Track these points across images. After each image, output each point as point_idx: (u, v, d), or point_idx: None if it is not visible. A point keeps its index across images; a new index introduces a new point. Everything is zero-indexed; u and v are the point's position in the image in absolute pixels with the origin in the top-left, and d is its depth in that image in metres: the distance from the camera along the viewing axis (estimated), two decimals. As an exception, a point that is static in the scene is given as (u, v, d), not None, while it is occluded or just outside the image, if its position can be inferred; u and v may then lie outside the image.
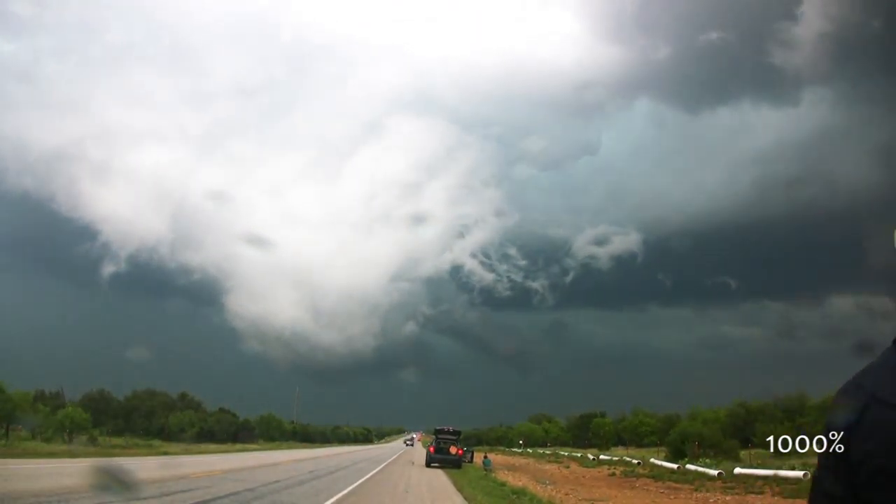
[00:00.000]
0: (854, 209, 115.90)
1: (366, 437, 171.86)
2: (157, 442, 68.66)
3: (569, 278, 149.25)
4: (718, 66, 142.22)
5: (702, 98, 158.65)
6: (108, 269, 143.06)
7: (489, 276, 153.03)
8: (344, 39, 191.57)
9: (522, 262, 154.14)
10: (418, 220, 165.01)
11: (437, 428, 54.21)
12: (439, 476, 39.57)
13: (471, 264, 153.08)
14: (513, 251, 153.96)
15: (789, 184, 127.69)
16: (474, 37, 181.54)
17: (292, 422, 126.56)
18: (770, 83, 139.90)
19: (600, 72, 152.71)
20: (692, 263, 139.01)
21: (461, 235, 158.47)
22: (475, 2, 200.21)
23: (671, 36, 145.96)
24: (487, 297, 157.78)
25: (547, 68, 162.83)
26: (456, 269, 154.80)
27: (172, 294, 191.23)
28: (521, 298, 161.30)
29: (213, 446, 72.14)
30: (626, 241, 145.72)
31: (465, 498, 26.65)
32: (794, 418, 63.45)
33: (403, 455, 67.71)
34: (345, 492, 25.07)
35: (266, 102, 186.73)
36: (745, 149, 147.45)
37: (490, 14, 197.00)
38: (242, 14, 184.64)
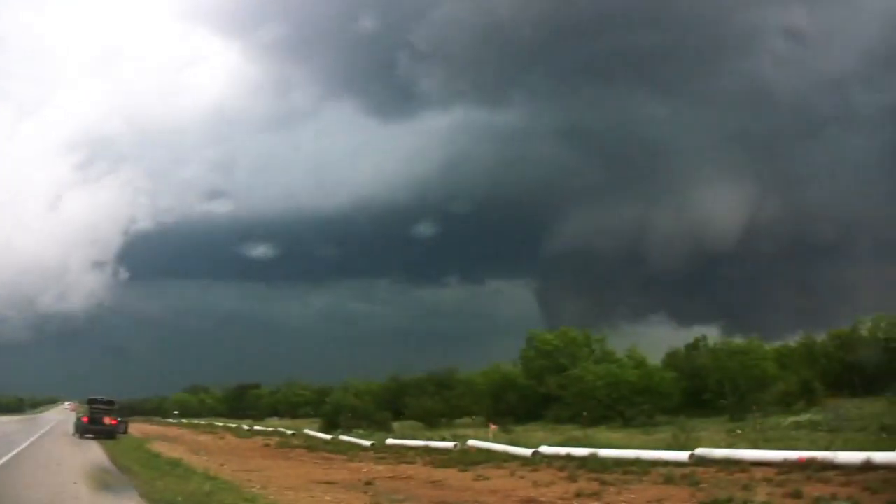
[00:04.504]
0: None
1: (18, 408, 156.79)
2: None
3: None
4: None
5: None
6: None
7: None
8: None
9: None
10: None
11: (91, 398, 51.32)
12: (93, 447, 37.08)
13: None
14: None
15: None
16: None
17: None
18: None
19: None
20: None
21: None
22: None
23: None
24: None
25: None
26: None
27: None
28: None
29: None
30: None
31: (120, 469, 25.40)
32: (443, 391, 66.47)
33: (58, 427, 62.70)
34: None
35: None
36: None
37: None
38: None
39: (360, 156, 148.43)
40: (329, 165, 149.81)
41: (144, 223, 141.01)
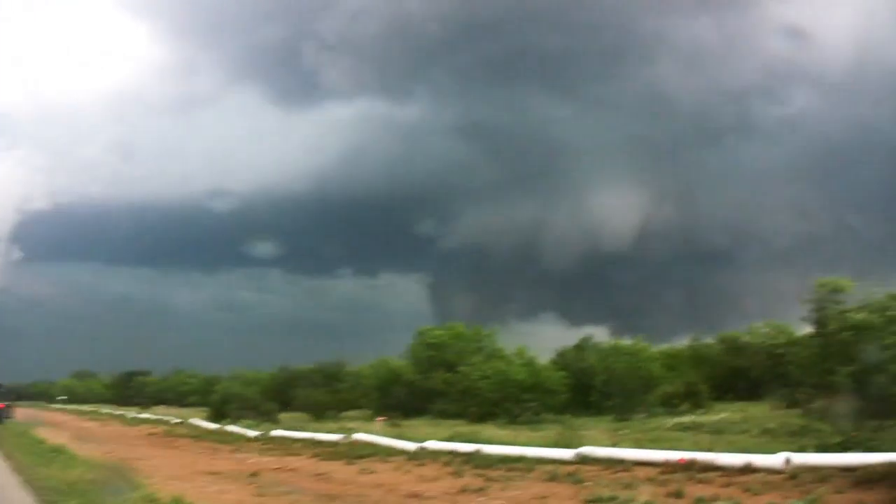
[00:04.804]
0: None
1: None
2: None
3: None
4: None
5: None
6: None
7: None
8: None
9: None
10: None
11: None
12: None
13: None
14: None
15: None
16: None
17: None
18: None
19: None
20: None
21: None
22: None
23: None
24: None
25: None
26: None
27: None
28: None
29: None
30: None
31: (3, 455, 25.29)
32: (331, 384, 65.78)
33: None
34: None
35: None
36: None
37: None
38: None
39: (262, 143, 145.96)
40: (229, 152, 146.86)
41: (40, 202, 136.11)
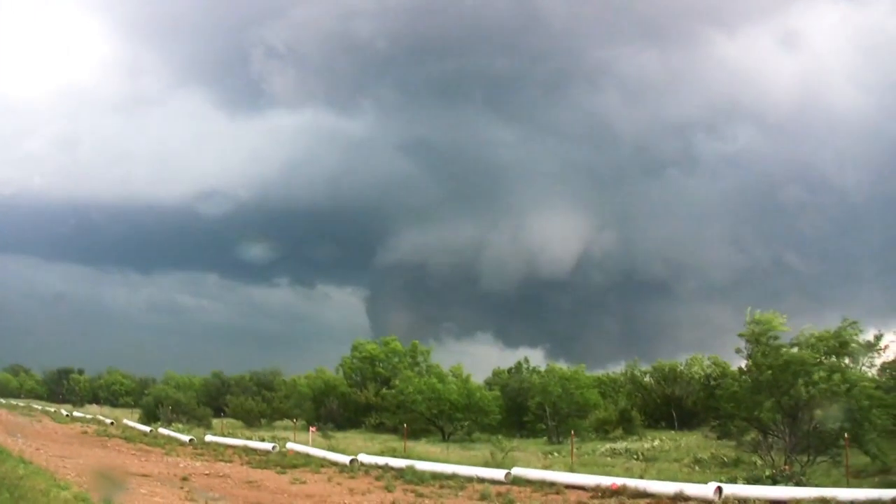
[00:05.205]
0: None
1: None
2: None
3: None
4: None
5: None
6: None
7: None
8: None
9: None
10: None
11: None
12: None
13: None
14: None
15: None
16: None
17: None
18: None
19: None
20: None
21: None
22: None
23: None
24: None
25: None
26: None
27: None
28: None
29: None
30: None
31: None
32: (265, 392, 65.29)
33: None
34: None
35: None
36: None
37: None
38: None
39: (205, 148, 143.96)
40: (172, 154, 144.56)
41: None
